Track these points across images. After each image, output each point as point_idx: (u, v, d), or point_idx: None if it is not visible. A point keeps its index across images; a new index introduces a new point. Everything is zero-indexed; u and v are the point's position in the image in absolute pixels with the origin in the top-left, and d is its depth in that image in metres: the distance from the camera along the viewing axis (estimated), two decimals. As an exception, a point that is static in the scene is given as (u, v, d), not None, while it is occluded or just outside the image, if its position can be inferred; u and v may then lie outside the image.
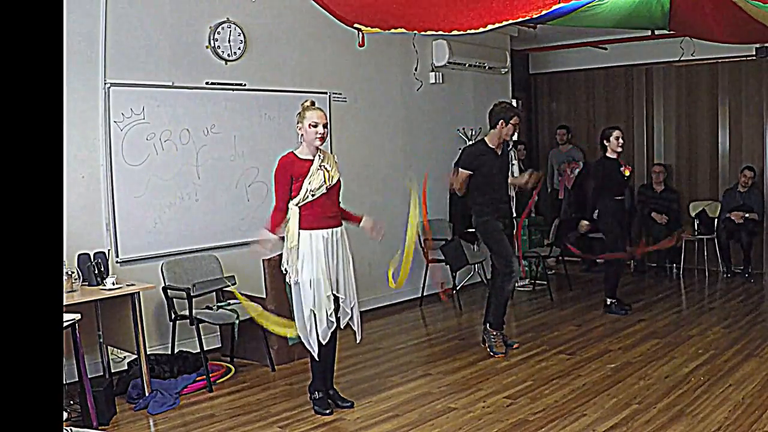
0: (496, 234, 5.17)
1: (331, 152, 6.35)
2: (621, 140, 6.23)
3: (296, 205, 3.95)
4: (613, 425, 3.81)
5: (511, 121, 5.17)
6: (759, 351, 5.09)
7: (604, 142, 6.28)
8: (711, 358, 4.96)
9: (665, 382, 4.49)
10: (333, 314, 4.01)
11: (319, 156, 4.00)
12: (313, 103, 4.04)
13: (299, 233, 3.94)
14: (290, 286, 4.05)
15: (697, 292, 7.59)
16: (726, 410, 3.94)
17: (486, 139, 5.28)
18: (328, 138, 6.27)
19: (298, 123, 3.99)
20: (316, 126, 3.92)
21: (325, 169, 3.98)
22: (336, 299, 4.04)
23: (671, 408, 4.03)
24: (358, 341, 4.30)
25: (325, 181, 3.95)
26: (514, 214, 5.65)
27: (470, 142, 5.34)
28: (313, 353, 4.05)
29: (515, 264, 5.16)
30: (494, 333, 5.27)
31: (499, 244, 5.16)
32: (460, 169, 5.22)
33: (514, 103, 8.10)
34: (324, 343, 4.03)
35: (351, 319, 4.15)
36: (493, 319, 5.29)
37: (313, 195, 3.94)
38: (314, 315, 3.97)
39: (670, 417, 3.88)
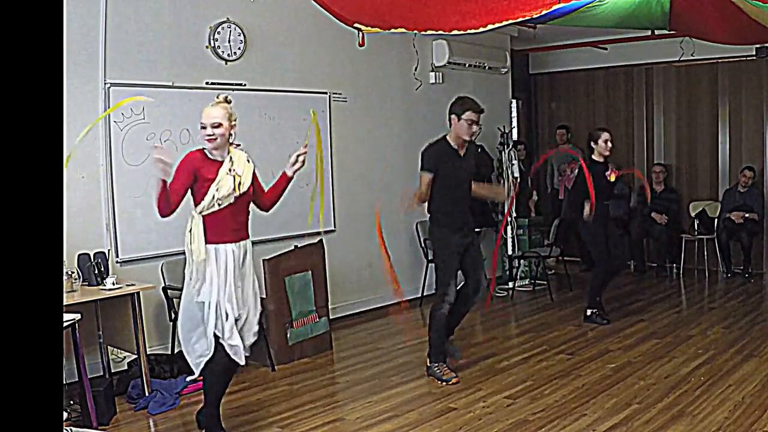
0: (447, 253, 4.60)
1: (331, 152, 6.40)
2: (609, 143, 5.91)
3: (200, 213, 3.47)
4: (613, 425, 3.81)
5: (462, 116, 4.53)
6: (759, 351, 5.09)
7: (592, 144, 5.95)
8: (711, 358, 4.96)
9: (665, 382, 4.49)
10: (236, 335, 3.54)
11: (230, 158, 3.53)
12: (226, 100, 3.58)
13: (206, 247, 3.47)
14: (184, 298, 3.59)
15: (697, 292, 7.59)
16: (726, 410, 3.94)
17: (447, 137, 4.65)
18: (329, 138, 6.34)
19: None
20: (204, 128, 3.47)
21: (236, 173, 3.51)
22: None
23: (671, 408, 4.03)
24: (241, 364, 3.68)
25: (234, 188, 3.48)
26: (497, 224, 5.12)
27: (430, 141, 4.65)
28: (195, 370, 3.63)
29: (451, 291, 4.60)
30: (436, 365, 4.71)
31: (444, 265, 4.62)
32: (421, 173, 4.57)
33: (514, 103, 8.12)
34: (238, 360, 3.59)
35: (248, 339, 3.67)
36: (432, 350, 4.75)
37: (219, 204, 3.46)
38: (209, 335, 3.52)
39: (670, 417, 3.89)
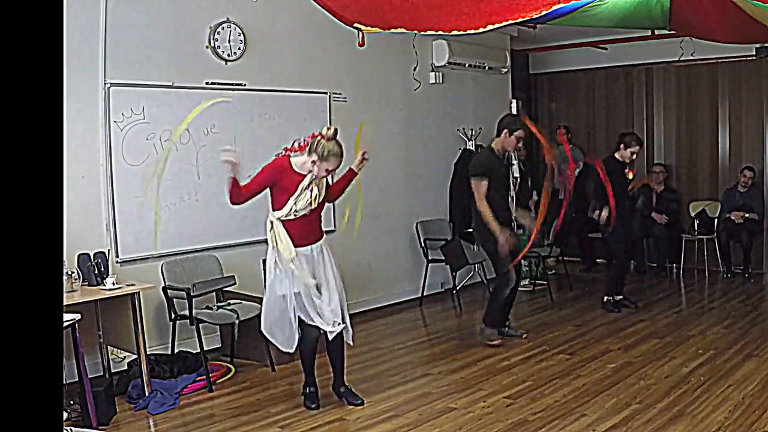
0: (495, 240, 5.23)
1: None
2: (635, 156, 6.39)
3: (278, 218, 3.87)
4: (613, 425, 3.81)
5: (515, 134, 5.29)
6: (759, 351, 5.09)
7: (621, 146, 6.36)
8: (711, 358, 4.96)
9: (665, 382, 4.49)
10: (297, 329, 4.02)
11: (308, 177, 3.88)
12: (335, 134, 3.86)
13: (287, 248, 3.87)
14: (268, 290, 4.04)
15: (697, 292, 7.59)
16: (726, 410, 3.94)
17: (492, 145, 5.42)
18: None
19: (314, 152, 3.81)
20: (330, 172, 3.88)
21: (315, 187, 3.90)
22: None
23: (671, 408, 4.03)
24: (351, 344, 4.31)
25: (311, 203, 3.88)
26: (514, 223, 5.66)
27: (478, 150, 5.53)
28: (288, 348, 4.09)
29: (512, 274, 5.37)
30: (488, 329, 5.49)
31: (497, 249, 5.26)
32: (475, 180, 5.25)
33: (514, 103, 8.12)
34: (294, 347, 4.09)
35: (341, 330, 4.10)
36: (488, 320, 5.52)
37: (296, 214, 3.86)
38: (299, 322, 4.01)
39: (670, 417, 3.89)
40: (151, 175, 3.87)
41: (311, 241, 3.99)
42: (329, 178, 4.04)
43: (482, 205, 5.22)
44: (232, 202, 3.86)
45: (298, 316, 3.99)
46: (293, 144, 3.92)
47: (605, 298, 6.60)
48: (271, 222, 3.89)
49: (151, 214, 5.07)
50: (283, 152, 3.97)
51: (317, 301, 4.01)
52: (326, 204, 4.13)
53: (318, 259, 4.01)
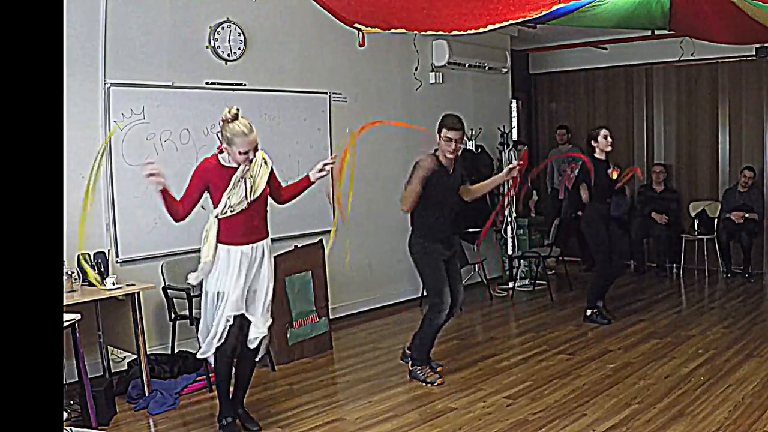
0: (432, 261, 4.57)
1: (331, 153, 6.37)
2: (609, 138, 5.91)
3: (215, 217, 3.63)
4: (613, 425, 3.81)
5: (441, 134, 4.47)
6: (759, 351, 5.10)
7: (592, 143, 5.96)
8: (711, 358, 4.96)
9: (665, 382, 4.49)
10: (223, 337, 3.66)
11: (240, 169, 3.61)
12: (236, 115, 3.53)
13: (216, 247, 3.64)
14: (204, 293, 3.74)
15: (697, 292, 7.59)
16: (726, 410, 3.94)
17: (437, 152, 4.56)
18: (329, 139, 6.35)
19: (223, 141, 3.57)
20: (245, 153, 3.54)
21: (250, 178, 3.62)
22: (244, 318, 3.71)
23: (671, 408, 4.03)
24: (257, 359, 3.90)
25: (246, 195, 3.61)
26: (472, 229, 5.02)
27: (421, 157, 4.55)
28: (202, 354, 3.75)
29: (446, 296, 4.56)
30: (419, 369, 4.71)
31: (433, 273, 4.58)
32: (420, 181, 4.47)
33: (514, 103, 8.12)
34: (202, 357, 3.77)
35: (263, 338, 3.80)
36: (417, 354, 4.73)
37: (232, 210, 3.60)
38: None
39: (670, 417, 3.89)
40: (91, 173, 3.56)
41: (252, 240, 3.69)
42: (276, 173, 3.83)
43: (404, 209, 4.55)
44: (175, 220, 3.63)
45: (227, 318, 3.64)
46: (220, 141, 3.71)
47: (588, 311, 6.14)
48: (208, 220, 3.67)
49: (151, 213, 5.08)
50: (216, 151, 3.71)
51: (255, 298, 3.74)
52: (269, 203, 3.83)
53: (256, 259, 3.71)
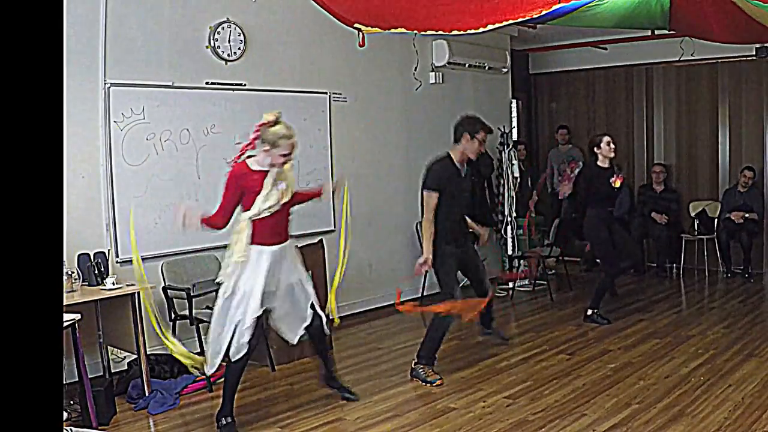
0: (445, 262, 4.67)
1: (331, 152, 6.40)
2: (612, 145, 5.93)
3: (249, 218, 3.76)
4: (613, 425, 3.81)
5: (477, 136, 4.61)
6: (759, 351, 5.09)
7: (595, 149, 5.97)
8: (711, 358, 4.96)
9: (665, 382, 4.49)
10: (251, 334, 3.78)
11: (273, 172, 3.78)
12: (277, 119, 3.75)
13: (249, 248, 3.78)
14: (220, 298, 3.82)
15: (697, 292, 7.59)
16: (726, 410, 3.94)
17: (451, 153, 4.69)
18: (329, 139, 6.36)
19: (264, 144, 3.73)
20: (287, 155, 3.76)
21: (281, 183, 3.80)
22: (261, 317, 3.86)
23: (671, 408, 4.03)
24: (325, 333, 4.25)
25: (280, 198, 3.80)
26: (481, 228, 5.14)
27: (434, 158, 4.75)
28: (210, 368, 3.84)
29: (458, 296, 4.66)
30: (422, 367, 4.72)
31: (445, 273, 4.69)
32: (426, 193, 4.62)
33: (514, 103, 8.12)
34: (234, 359, 3.82)
35: (310, 326, 4.10)
36: (424, 353, 4.74)
37: (268, 212, 3.77)
38: (234, 330, 3.76)
39: (670, 417, 3.89)
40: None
41: (280, 241, 3.88)
42: (295, 178, 4.04)
43: (427, 220, 4.60)
44: (219, 229, 3.83)
45: (252, 318, 3.77)
46: (240, 148, 3.83)
47: (588, 311, 6.14)
48: (238, 222, 3.79)
49: (151, 213, 5.08)
50: (233, 162, 3.85)
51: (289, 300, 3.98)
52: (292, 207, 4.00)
53: (280, 260, 3.88)
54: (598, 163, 5.97)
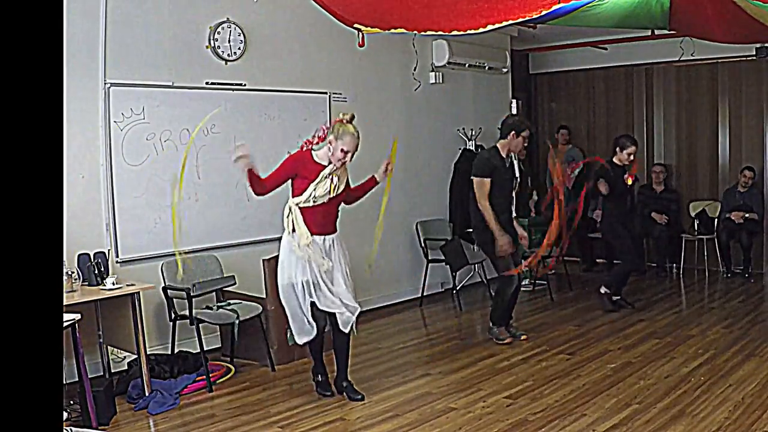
0: (493, 241, 5.27)
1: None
2: (632, 157, 6.25)
3: (296, 204, 3.99)
4: (613, 425, 3.81)
5: (522, 134, 5.27)
6: (759, 351, 5.09)
7: (617, 149, 6.26)
8: (711, 358, 4.96)
9: (665, 382, 4.49)
10: (311, 319, 4.16)
11: (333, 165, 4.02)
12: (353, 118, 4.05)
13: (302, 233, 4.01)
14: (284, 286, 4.16)
15: (697, 292, 7.59)
16: (726, 410, 3.94)
17: (498, 146, 5.36)
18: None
19: (331, 134, 3.97)
20: (346, 153, 3.97)
21: (335, 176, 4.02)
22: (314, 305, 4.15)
23: (671, 408, 4.03)
24: (356, 333, 4.40)
25: (330, 191, 4.01)
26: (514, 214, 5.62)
27: (483, 150, 5.65)
28: (300, 338, 4.25)
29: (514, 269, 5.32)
30: (496, 328, 5.51)
31: (500, 257, 5.30)
32: (478, 178, 5.24)
33: (514, 103, 8.12)
34: (300, 343, 4.28)
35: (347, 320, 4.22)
36: (494, 318, 5.55)
37: (315, 201, 3.99)
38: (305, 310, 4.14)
39: (670, 417, 3.89)
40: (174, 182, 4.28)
41: (325, 232, 4.10)
42: (349, 177, 4.20)
43: (484, 205, 5.21)
44: (256, 193, 4.01)
45: (312, 303, 4.10)
46: (314, 136, 4.03)
47: (603, 289, 6.49)
48: (290, 208, 4.02)
49: (151, 214, 5.08)
50: (305, 145, 4.12)
51: (331, 287, 4.13)
52: (343, 204, 4.25)
53: (329, 251, 4.11)
54: (614, 160, 6.27)
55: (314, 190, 3.97)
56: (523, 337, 5.58)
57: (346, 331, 4.21)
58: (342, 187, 4.10)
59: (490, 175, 5.22)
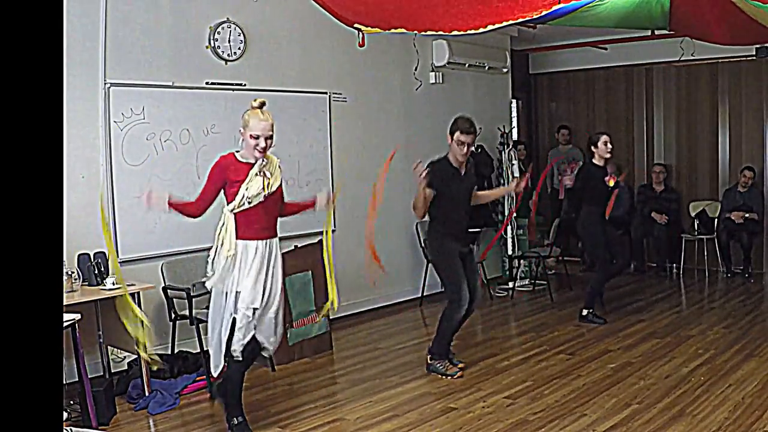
0: (449, 258, 4.71)
1: (331, 153, 6.40)
2: (609, 145, 5.93)
3: (231, 211, 3.64)
4: (613, 425, 3.81)
5: (453, 137, 4.60)
6: (759, 351, 5.10)
7: (592, 148, 6.00)
8: (711, 358, 4.96)
9: (665, 382, 4.49)
10: (247, 333, 3.69)
11: (261, 161, 3.67)
12: (262, 105, 3.70)
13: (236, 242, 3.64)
14: (212, 296, 3.77)
15: (697, 292, 7.59)
16: (726, 410, 3.95)
17: (448, 155, 4.71)
18: (329, 139, 6.35)
19: (241, 126, 3.68)
20: (257, 138, 3.60)
21: (265, 174, 3.66)
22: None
23: (671, 408, 4.03)
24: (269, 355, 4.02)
25: (263, 188, 3.63)
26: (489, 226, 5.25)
27: (433, 159, 4.75)
28: (215, 368, 3.77)
29: (464, 292, 4.69)
30: (439, 362, 4.82)
31: (449, 269, 4.72)
32: (424, 188, 4.58)
33: (514, 103, 8.11)
34: (242, 358, 3.72)
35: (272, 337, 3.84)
36: (436, 349, 4.84)
37: (249, 202, 3.61)
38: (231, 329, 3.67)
39: (670, 417, 3.89)
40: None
41: (264, 237, 3.71)
42: (283, 187, 3.86)
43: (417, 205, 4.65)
44: (191, 216, 3.73)
45: (247, 315, 3.66)
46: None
47: (584, 311, 6.13)
48: (224, 214, 3.68)
49: (151, 213, 5.08)
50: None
51: (272, 308, 3.77)
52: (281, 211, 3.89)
53: (266, 256, 3.72)
54: (594, 161, 6.01)
55: (246, 190, 3.59)
56: (460, 365, 4.85)
57: (266, 356, 3.86)
58: (277, 185, 3.72)
59: (435, 189, 4.57)
